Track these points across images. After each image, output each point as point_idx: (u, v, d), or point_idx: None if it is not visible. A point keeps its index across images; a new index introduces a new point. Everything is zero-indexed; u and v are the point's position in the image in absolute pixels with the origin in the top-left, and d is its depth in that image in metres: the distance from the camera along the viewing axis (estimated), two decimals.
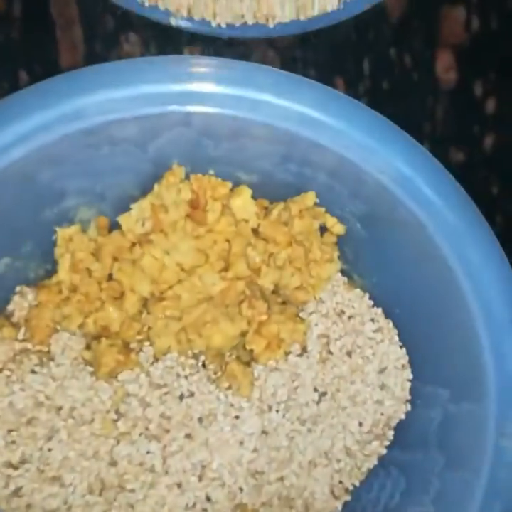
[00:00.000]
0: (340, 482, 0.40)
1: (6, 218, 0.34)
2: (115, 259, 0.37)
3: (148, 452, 0.35)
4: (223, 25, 0.41)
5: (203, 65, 0.31)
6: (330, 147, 0.32)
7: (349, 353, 0.39)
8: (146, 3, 0.40)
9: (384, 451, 0.40)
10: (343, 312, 0.39)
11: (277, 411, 0.37)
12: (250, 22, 0.41)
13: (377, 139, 0.32)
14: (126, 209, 0.38)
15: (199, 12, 0.41)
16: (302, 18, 0.41)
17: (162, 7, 0.40)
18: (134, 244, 0.37)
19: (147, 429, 0.35)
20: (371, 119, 0.32)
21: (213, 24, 0.41)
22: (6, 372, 0.35)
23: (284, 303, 0.39)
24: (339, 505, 0.39)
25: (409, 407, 0.40)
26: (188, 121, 0.32)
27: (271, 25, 0.41)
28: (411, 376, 0.39)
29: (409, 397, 0.40)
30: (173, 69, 0.31)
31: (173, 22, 0.41)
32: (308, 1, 0.40)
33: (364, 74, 0.45)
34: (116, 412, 0.35)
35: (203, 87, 0.31)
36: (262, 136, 0.33)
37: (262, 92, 0.31)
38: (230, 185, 0.37)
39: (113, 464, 0.35)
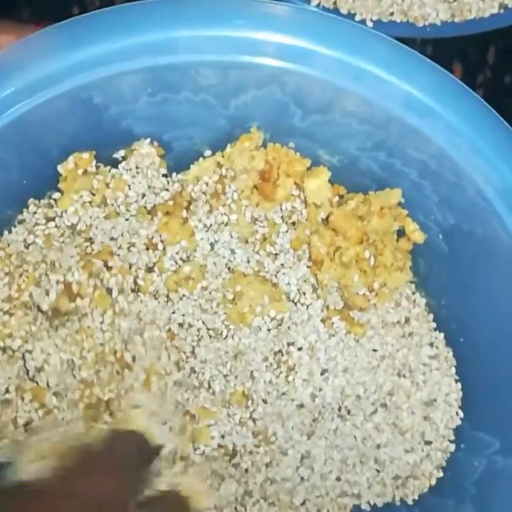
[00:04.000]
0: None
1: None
2: (167, 213, 0.34)
3: None
4: (369, 22, 0.38)
5: (313, 19, 0.27)
6: (433, 139, 0.28)
7: (398, 374, 0.35)
8: None
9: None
10: (400, 328, 0.35)
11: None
12: (398, 20, 0.38)
13: (491, 143, 0.28)
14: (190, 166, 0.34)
15: (345, 4, 0.38)
16: (457, 20, 0.38)
17: None
18: (189, 203, 0.34)
19: None
20: (492, 120, 0.28)
21: (357, 18, 0.39)
22: None
23: None
24: None
25: (452, 448, 0.35)
26: (282, 81, 0.28)
27: (420, 24, 0.38)
28: (461, 415, 0.35)
29: (452, 438, 0.35)
30: (278, 16, 0.27)
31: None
32: (465, 3, 0.37)
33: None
34: None
35: (307, 44, 0.27)
36: (358, 113, 0.29)
37: (372, 62, 0.27)
38: (308, 163, 0.33)
39: None
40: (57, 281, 0.32)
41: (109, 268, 0.32)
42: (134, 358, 0.32)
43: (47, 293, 0.32)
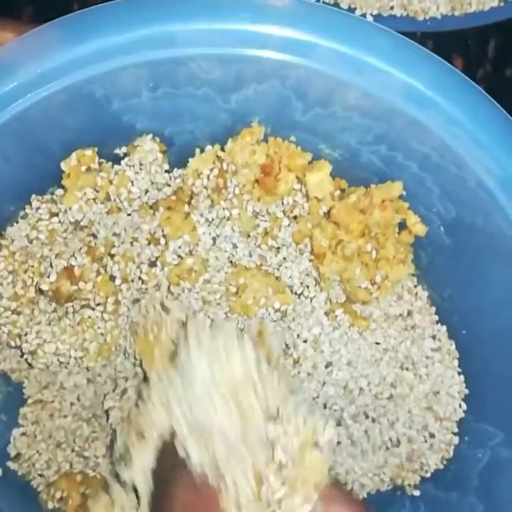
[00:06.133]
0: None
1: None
2: (169, 208, 0.34)
3: None
4: (369, 16, 0.39)
5: (314, 11, 0.27)
6: (434, 131, 0.28)
7: (401, 366, 0.35)
8: None
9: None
10: (403, 321, 0.35)
11: None
12: (399, 14, 0.39)
13: (493, 134, 0.28)
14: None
15: None
16: (457, 14, 0.38)
17: None
18: (191, 198, 0.34)
19: None
20: (492, 111, 0.28)
21: (357, 13, 0.39)
22: None
23: None
24: None
25: (456, 440, 0.35)
26: (283, 74, 0.29)
27: (420, 18, 0.38)
28: (464, 408, 0.35)
29: (456, 430, 0.36)
30: (278, 9, 0.27)
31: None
32: None
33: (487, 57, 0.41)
34: None
35: (308, 36, 0.27)
36: (359, 106, 0.30)
37: (373, 54, 0.27)
38: (309, 156, 0.34)
39: None
40: (58, 265, 0.32)
41: (112, 256, 0.32)
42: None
43: (48, 275, 0.32)
